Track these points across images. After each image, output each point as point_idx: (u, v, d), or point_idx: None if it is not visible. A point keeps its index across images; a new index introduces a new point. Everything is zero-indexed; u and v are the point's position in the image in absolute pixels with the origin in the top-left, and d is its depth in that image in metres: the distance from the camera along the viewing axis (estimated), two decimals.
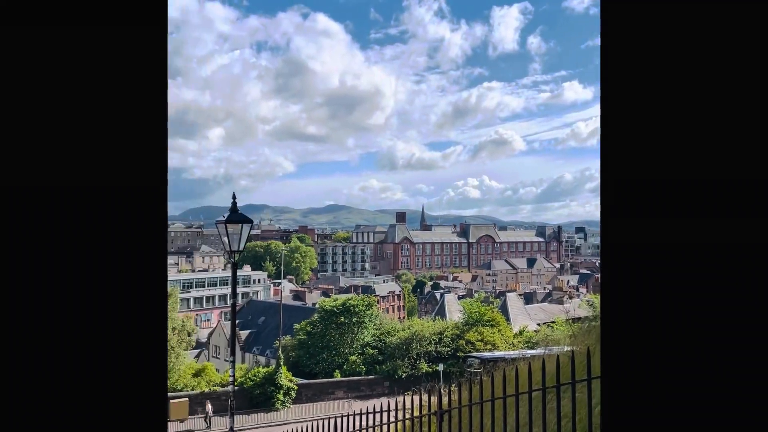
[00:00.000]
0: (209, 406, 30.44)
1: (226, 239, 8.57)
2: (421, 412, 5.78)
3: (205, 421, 29.92)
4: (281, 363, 34.47)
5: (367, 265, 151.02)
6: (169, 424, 29.85)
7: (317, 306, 44.95)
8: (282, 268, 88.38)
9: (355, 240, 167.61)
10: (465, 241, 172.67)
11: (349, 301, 40.45)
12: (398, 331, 39.90)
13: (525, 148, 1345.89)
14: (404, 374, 36.47)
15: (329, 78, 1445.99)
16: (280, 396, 33.15)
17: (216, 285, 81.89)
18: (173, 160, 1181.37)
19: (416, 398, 6.53)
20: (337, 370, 37.36)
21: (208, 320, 74.82)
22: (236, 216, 8.61)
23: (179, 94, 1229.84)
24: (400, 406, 6.13)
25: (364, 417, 7.00)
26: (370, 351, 38.58)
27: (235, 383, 11.40)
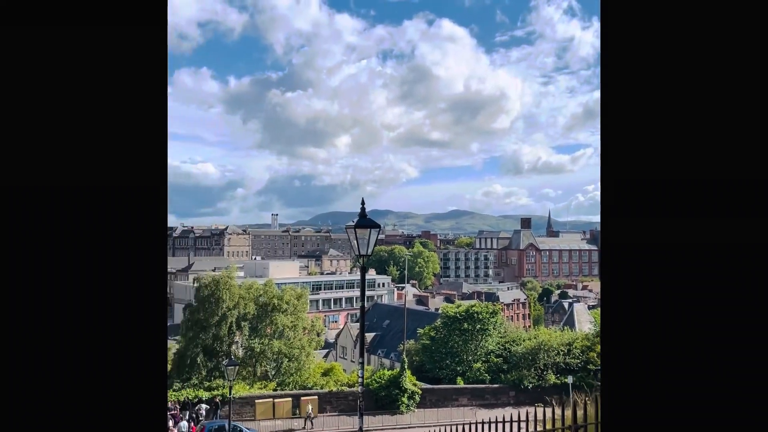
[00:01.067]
0: (310, 407, 31.30)
1: (355, 243, 8.83)
2: (553, 426, 5.57)
3: (309, 421, 30.86)
4: (405, 367, 34.85)
5: (490, 272, 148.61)
6: (298, 420, 31.45)
7: (440, 311, 44.96)
8: (406, 272, 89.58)
9: (478, 246, 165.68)
10: (596, 248, 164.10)
11: (473, 308, 39.99)
12: (524, 340, 38.78)
13: None
14: (530, 385, 35.39)
15: (453, 83, 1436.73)
16: (405, 399, 33.51)
17: (343, 287, 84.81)
18: (305, 167, 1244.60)
19: (547, 411, 6.31)
20: (459, 377, 37.08)
21: (336, 321, 77.67)
22: (365, 221, 8.84)
23: (310, 105, 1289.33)
24: (530, 417, 5.94)
25: (493, 426, 6.87)
26: (495, 359, 37.85)
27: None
